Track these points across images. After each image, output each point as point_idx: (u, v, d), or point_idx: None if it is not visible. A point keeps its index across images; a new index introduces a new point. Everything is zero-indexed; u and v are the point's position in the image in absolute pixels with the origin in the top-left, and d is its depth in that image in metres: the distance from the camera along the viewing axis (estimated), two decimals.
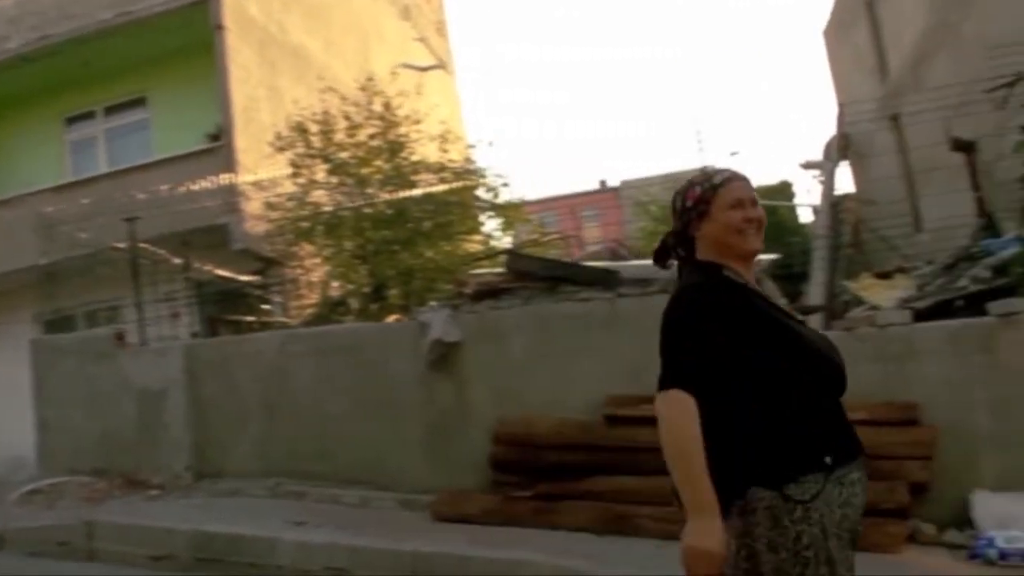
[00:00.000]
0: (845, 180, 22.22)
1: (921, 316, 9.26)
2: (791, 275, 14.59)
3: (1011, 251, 10.72)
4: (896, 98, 19.36)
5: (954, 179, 14.72)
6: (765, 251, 12.43)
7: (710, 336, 3.12)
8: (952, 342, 8.43)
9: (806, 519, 3.04)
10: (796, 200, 27.76)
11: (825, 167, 19.53)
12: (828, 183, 18.85)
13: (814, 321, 11.73)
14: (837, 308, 12.14)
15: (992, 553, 7.37)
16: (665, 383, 3.07)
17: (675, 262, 3.54)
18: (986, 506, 7.84)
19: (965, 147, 14.27)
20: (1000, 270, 10.81)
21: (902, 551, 7.73)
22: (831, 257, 14.96)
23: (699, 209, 3.37)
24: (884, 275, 12.01)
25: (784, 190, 28.83)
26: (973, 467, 8.18)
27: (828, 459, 3.13)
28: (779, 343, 3.19)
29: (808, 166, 21.05)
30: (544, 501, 8.94)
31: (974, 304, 9.18)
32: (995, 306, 8.48)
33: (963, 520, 7.92)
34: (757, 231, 3.37)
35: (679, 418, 3.02)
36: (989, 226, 13.45)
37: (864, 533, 7.84)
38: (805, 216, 25.12)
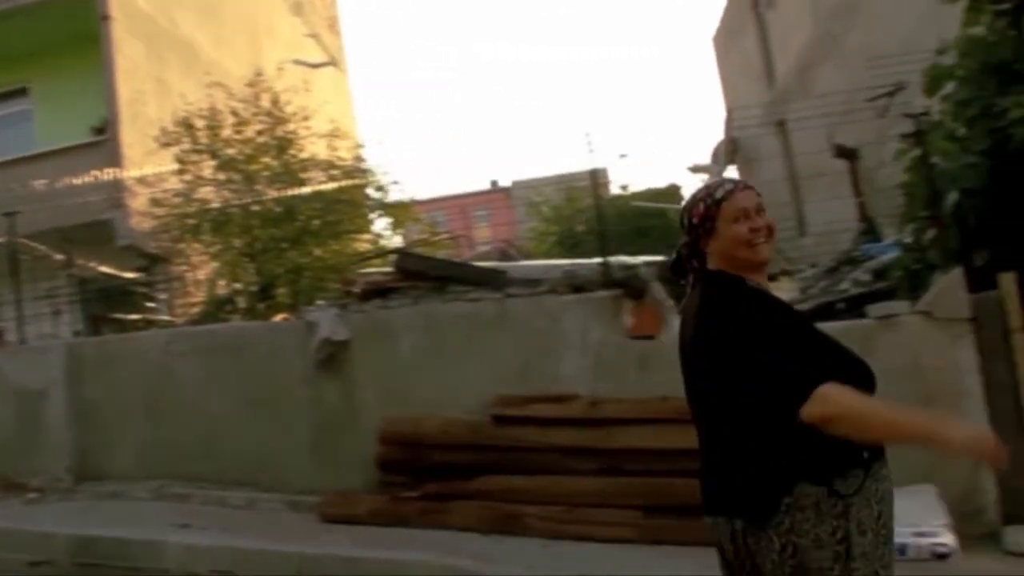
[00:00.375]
0: None
1: None
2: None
3: (890, 255, 11.00)
4: (783, 104, 19.77)
5: (837, 185, 15.08)
6: (654, 253, 12.57)
7: (762, 343, 3.11)
8: None
9: (845, 514, 3.06)
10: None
11: (713, 171, 19.87)
12: None
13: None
14: None
15: None
16: (802, 393, 3.01)
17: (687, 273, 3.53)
18: None
19: (848, 154, 14.63)
20: (880, 274, 11.09)
21: None
22: None
23: (705, 226, 3.34)
24: (769, 278, 12.22)
25: (673, 193, 29.23)
26: None
27: (865, 453, 3.13)
28: (809, 346, 3.19)
29: (696, 169, 21.41)
30: (432, 501, 8.92)
31: (855, 307, 9.39)
32: (874, 309, 8.70)
33: None
34: (766, 239, 3.34)
35: (851, 402, 3.01)
36: (870, 231, 13.80)
37: None
38: None
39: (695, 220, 3.36)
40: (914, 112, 9.83)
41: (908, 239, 10.42)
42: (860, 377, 3.23)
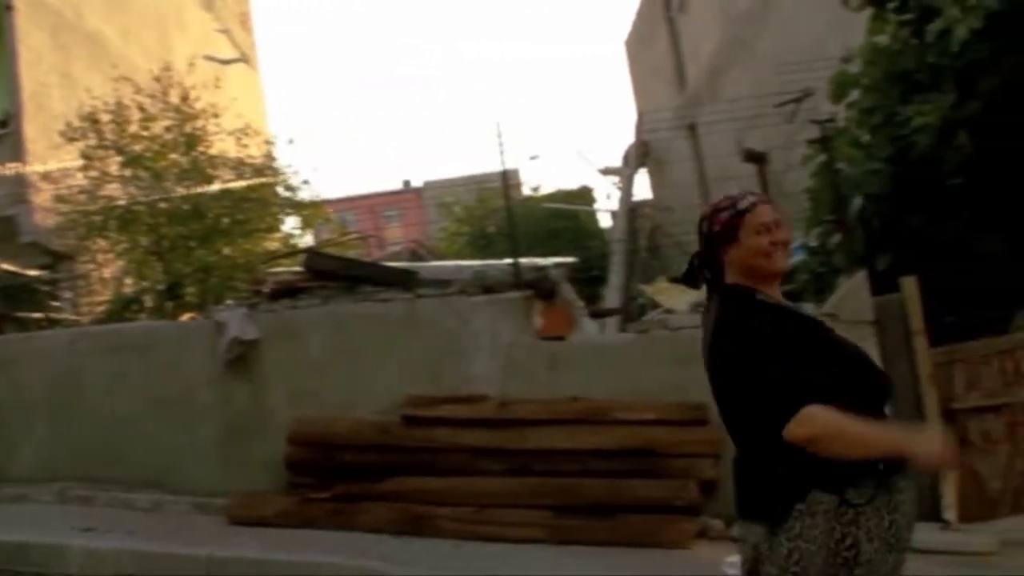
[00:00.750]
0: (643, 186, 22.84)
1: None
2: (590, 278, 14.90)
3: (797, 258, 11.19)
4: (693, 108, 20.01)
5: (746, 188, 15.27)
6: (564, 255, 12.64)
7: (772, 356, 3.19)
8: None
9: (855, 522, 3.14)
10: (596, 205, 28.34)
11: (624, 173, 20.03)
12: (626, 189, 19.34)
13: (611, 324, 12.01)
14: (633, 311, 12.45)
15: None
16: (789, 410, 3.10)
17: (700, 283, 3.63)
18: None
19: (756, 158, 14.83)
20: (786, 277, 11.26)
21: (693, 546, 7.97)
22: (628, 261, 15.35)
23: (727, 235, 3.42)
24: (679, 280, 12.36)
25: (584, 195, 29.38)
26: None
27: (880, 466, 3.19)
28: (822, 357, 3.27)
29: (607, 172, 21.56)
30: (342, 502, 8.86)
31: None
32: None
33: None
34: (783, 252, 3.42)
35: (832, 423, 3.09)
36: None
37: (656, 529, 8.11)
38: (605, 221, 25.66)
39: (717, 228, 3.44)
40: (820, 118, 10.02)
41: (814, 243, 10.62)
42: (870, 385, 3.35)
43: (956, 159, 8.92)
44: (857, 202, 9.58)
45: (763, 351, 3.20)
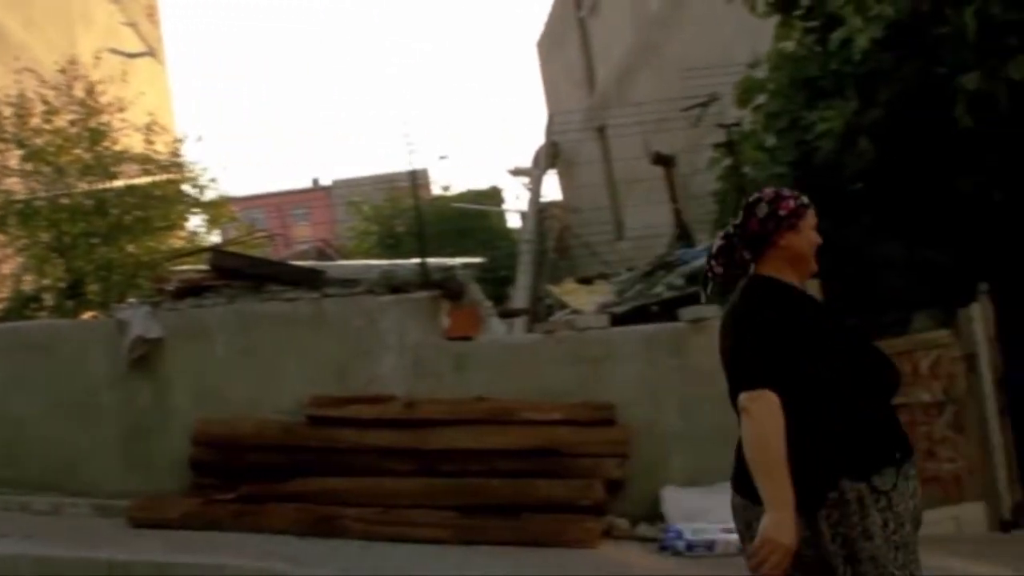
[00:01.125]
0: (553, 187, 22.93)
1: (619, 321, 9.65)
2: (498, 279, 14.92)
3: (703, 261, 11.32)
4: (603, 110, 20.13)
5: (654, 191, 15.42)
6: (473, 255, 12.65)
7: (790, 345, 3.34)
8: (646, 346, 8.84)
9: (890, 507, 3.32)
10: (505, 206, 28.41)
11: (533, 174, 20.08)
12: (535, 190, 19.40)
13: (519, 324, 12.04)
14: (540, 312, 12.49)
15: (680, 545, 7.76)
16: (754, 383, 3.27)
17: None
18: (675, 501, 8.25)
19: (664, 161, 14.98)
20: (693, 278, 11.39)
21: (598, 546, 8.04)
22: (536, 262, 15.39)
23: (791, 221, 3.53)
24: (586, 281, 12.45)
25: (494, 195, 29.43)
26: (664, 464, 8.60)
27: (898, 454, 3.41)
28: (846, 352, 3.48)
29: (517, 172, 21.60)
30: (246, 504, 8.77)
31: (668, 310, 9.64)
32: (686, 312, 8.94)
33: (655, 515, 8.31)
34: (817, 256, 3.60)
35: (767, 417, 3.23)
36: (684, 236, 14.17)
37: (562, 529, 8.17)
38: (514, 221, 25.71)
39: (783, 212, 3.55)
40: (727, 122, 10.15)
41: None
42: (884, 380, 3.63)
43: (858, 165, 9.11)
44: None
45: (799, 344, 3.35)
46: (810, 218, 3.58)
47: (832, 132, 9.06)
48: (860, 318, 8.88)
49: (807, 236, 3.57)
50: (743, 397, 3.28)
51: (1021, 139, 8.66)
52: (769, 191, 3.68)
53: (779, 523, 3.18)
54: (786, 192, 3.64)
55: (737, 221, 3.64)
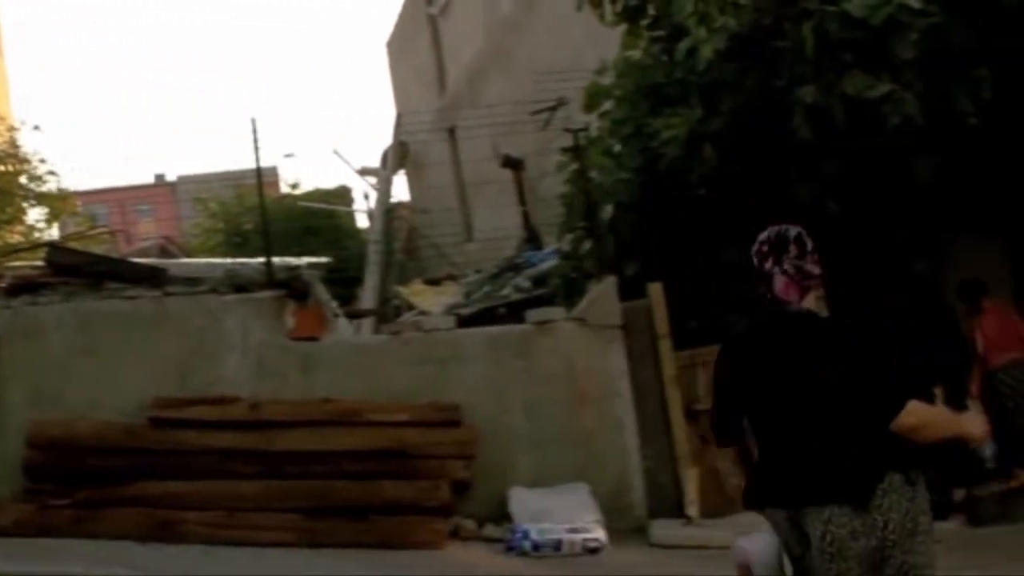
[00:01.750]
0: (402, 188, 22.86)
1: (466, 322, 9.69)
2: (346, 279, 14.81)
3: (550, 263, 11.46)
4: (453, 112, 20.13)
5: (503, 193, 15.53)
6: (321, 254, 12.45)
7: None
8: (492, 347, 8.88)
9: (914, 499, 3.64)
10: (354, 205, 28.17)
11: (381, 174, 19.97)
12: (384, 190, 19.30)
13: (366, 325, 11.98)
14: (388, 313, 12.45)
15: (526, 545, 7.82)
16: (909, 396, 3.62)
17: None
18: (521, 501, 8.31)
19: (513, 164, 15.09)
20: (540, 281, 11.53)
21: (445, 546, 8.04)
22: (384, 263, 15.33)
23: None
24: (434, 282, 12.48)
25: (343, 195, 29.15)
26: (510, 465, 8.65)
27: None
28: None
29: (365, 172, 21.46)
30: (84, 509, 8.49)
31: (515, 312, 9.72)
32: (532, 314, 9.02)
33: (501, 515, 8.35)
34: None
35: (927, 413, 3.72)
36: (532, 239, 14.32)
37: (409, 530, 8.14)
38: (363, 222, 25.52)
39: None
40: (574, 127, 10.27)
41: (566, 248, 10.88)
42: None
43: (701, 171, 9.32)
44: (608, 210, 9.88)
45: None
46: None
47: (677, 139, 9.26)
48: (702, 321, 9.20)
49: None
50: (909, 412, 3.60)
51: (855, 152, 9.00)
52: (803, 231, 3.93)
53: (973, 422, 3.98)
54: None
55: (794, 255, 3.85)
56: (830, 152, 8.84)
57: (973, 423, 3.95)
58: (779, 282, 3.81)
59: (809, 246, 3.84)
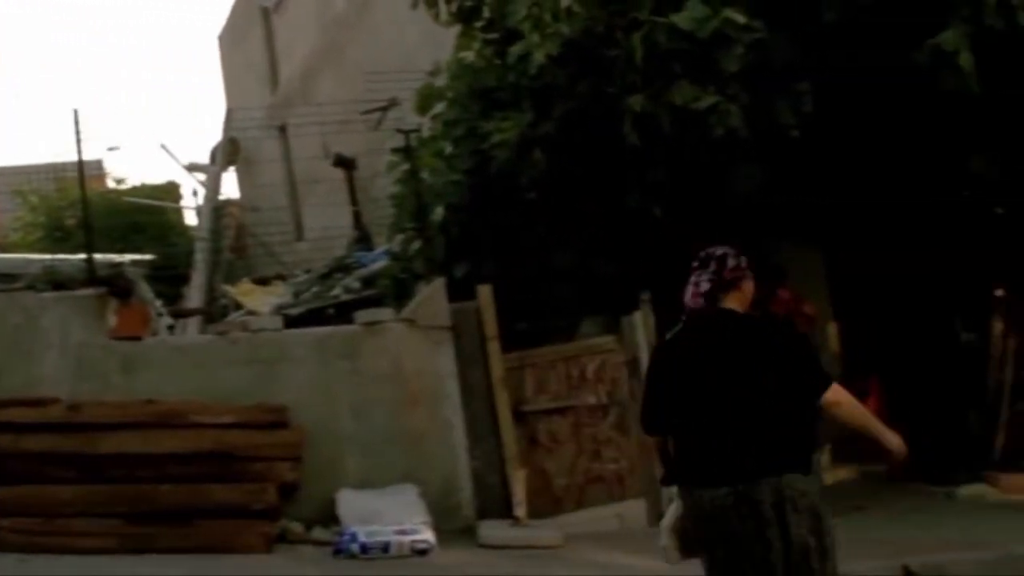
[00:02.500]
0: (232, 185, 22.46)
1: (294, 322, 9.59)
2: (174, 277, 14.51)
3: (380, 264, 11.43)
4: (285, 109, 19.89)
5: (335, 192, 15.41)
6: (148, 251, 12.16)
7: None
8: (320, 348, 8.80)
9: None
10: (182, 202, 27.54)
11: (210, 171, 19.61)
12: (213, 187, 18.96)
13: (192, 324, 11.75)
14: (216, 312, 12.25)
15: (355, 547, 7.78)
16: (831, 382, 4.45)
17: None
18: (350, 503, 8.27)
19: (345, 163, 15.00)
20: (370, 281, 11.49)
21: (272, 550, 7.94)
22: (212, 261, 15.08)
23: (748, 273, 4.61)
24: (263, 281, 12.32)
25: (171, 190, 28.48)
26: (338, 467, 8.59)
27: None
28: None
29: (193, 168, 21.01)
30: None
31: (345, 313, 9.67)
32: (361, 315, 8.99)
33: (330, 517, 8.28)
34: None
35: (849, 398, 4.50)
36: (363, 239, 14.27)
37: (235, 534, 8.02)
38: (191, 219, 24.97)
39: (743, 264, 4.62)
40: (406, 128, 10.27)
41: (396, 249, 10.88)
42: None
43: (532, 175, 9.42)
44: (438, 211, 9.91)
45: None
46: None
47: (507, 143, 9.34)
48: (530, 323, 9.31)
49: (750, 288, 4.66)
50: (835, 390, 4.43)
51: (682, 160, 9.24)
52: (731, 252, 4.69)
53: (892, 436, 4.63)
54: (735, 252, 4.67)
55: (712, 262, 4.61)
56: (658, 159, 9.05)
57: (894, 437, 4.62)
58: (688, 292, 4.59)
59: (730, 263, 4.58)
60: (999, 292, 10.44)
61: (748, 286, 4.64)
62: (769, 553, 4.25)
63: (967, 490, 9.87)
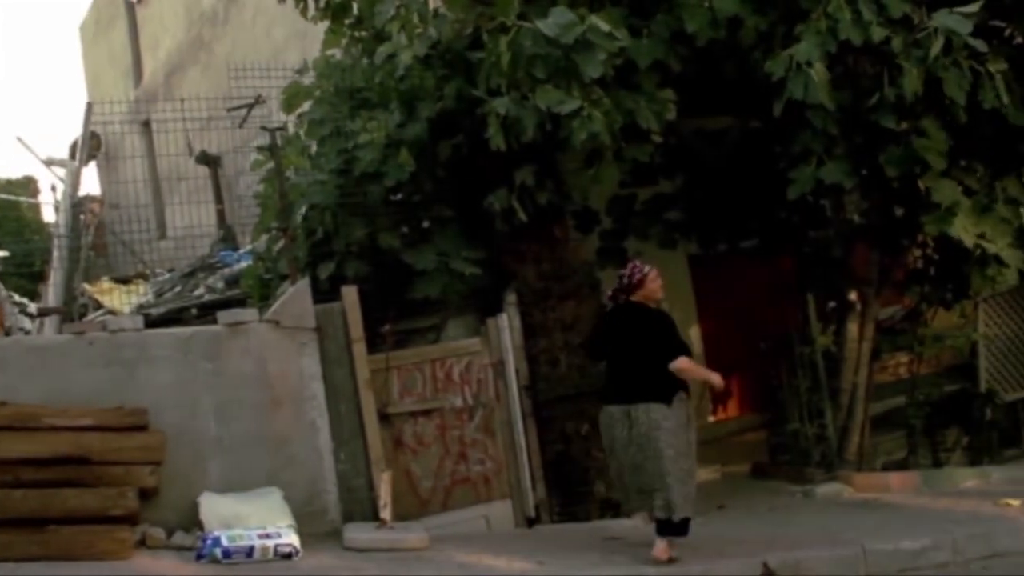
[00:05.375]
0: (92, 181, 21.97)
1: (156, 323, 9.42)
2: (29, 275, 14.14)
3: (244, 264, 11.28)
4: (148, 104, 19.53)
5: (199, 190, 15.18)
6: (4, 248, 11.84)
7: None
8: (182, 349, 8.61)
9: (686, 404, 7.67)
10: (40, 197, 26.85)
11: (70, 166, 19.15)
12: (72, 182, 18.51)
13: (49, 324, 11.45)
14: (75, 311, 11.95)
15: (217, 552, 7.66)
16: (681, 353, 7.43)
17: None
18: (212, 507, 8.13)
19: (210, 160, 14.78)
20: (234, 281, 11.33)
21: (132, 556, 7.76)
22: (71, 258, 14.71)
23: (650, 278, 7.60)
24: (124, 280, 12.07)
25: (28, 185, 27.79)
26: (200, 470, 8.44)
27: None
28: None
29: (52, 163, 20.50)
30: None
31: (208, 312, 9.52)
32: (224, 315, 8.84)
33: (192, 522, 8.14)
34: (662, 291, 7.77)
35: (691, 363, 7.58)
36: (228, 238, 14.08)
37: (92, 540, 7.85)
38: (49, 215, 24.36)
39: (636, 276, 7.59)
40: (272, 126, 10.17)
41: (261, 249, 10.76)
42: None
43: (399, 176, 9.43)
44: (303, 211, 9.83)
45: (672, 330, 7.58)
46: (653, 278, 7.60)
47: (374, 143, 9.33)
48: (396, 324, 9.31)
49: (653, 288, 7.61)
50: (680, 360, 7.35)
51: (546, 162, 9.36)
52: (635, 267, 7.65)
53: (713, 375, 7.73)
54: (639, 267, 7.63)
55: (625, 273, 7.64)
56: (523, 162, 9.15)
57: (715, 375, 7.62)
58: (610, 290, 7.82)
59: (635, 274, 7.54)
60: (853, 296, 10.80)
61: (651, 286, 7.53)
62: (630, 446, 7.32)
63: (824, 489, 10.30)
